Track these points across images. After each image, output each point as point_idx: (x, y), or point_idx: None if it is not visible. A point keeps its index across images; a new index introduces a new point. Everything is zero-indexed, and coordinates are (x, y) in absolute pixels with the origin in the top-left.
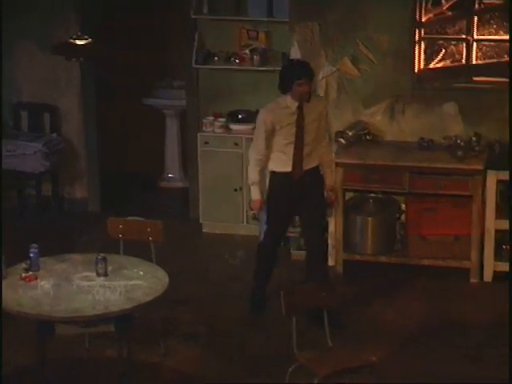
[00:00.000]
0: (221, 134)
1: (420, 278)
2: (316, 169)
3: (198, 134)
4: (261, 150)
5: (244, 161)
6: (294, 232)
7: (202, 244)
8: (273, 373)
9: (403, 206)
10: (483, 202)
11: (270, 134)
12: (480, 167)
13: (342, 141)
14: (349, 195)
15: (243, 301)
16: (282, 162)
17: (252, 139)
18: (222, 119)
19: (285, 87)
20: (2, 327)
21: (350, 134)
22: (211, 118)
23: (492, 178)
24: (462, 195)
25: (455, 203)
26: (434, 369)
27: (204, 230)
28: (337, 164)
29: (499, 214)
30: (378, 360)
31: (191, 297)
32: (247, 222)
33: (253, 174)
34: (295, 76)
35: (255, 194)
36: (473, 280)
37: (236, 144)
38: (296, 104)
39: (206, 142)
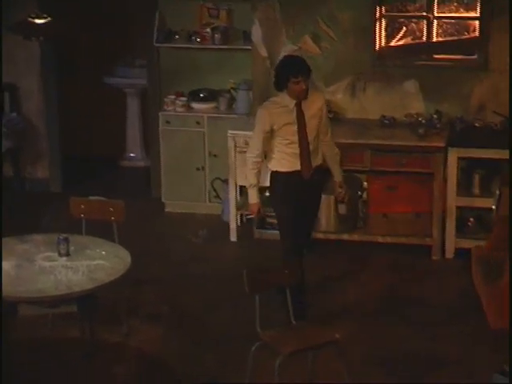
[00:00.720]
0: (182, 113)
1: (382, 255)
2: (321, 166)
3: (160, 113)
4: (258, 152)
5: (206, 139)
6: None
7: (164, 223)
8: (236, 351)
9: (365, 183)
10: (444, 179)
11: (268, 135)
12: (441, 144)
13: None
14: None
15: (206, 280)
16: (286, 162)
17: (214, 118)
18: (184, 98)
19: (281, 85)
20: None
21: None
22: (173, 96)
23: (453, 155)
24: (423, 172)
25: (417, 180)
26: (396, 345)
27: (166, 210)
28: None
29: (460, 191)
30: (341, 337)
31: (154, 276)
32: (209, 201)
33: (251, 177)
34: (291, 73)
35: (253, 198)
36: (434, 257)
37: (198, 123)
38: (294, 102)
39: (168, 121)
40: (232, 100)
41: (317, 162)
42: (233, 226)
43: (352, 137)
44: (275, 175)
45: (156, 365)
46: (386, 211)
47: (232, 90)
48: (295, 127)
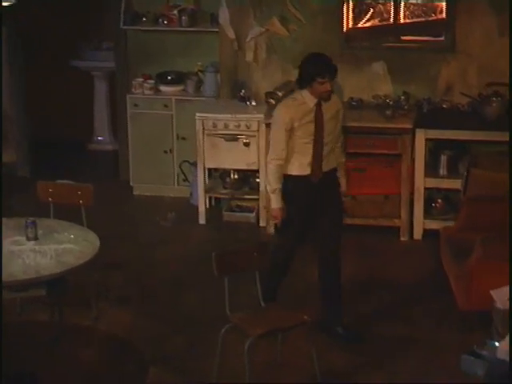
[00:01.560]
0: (150, 96)
1: (351, 236)
2: (334, 171)
3: (128, 96)
4: (282, 153)
5: (174, 122)
6: (225, 194)
7: (132, 206)
8: (206, 333)
9: None
10: (412, 161)
11: (290, 133)
12: (409, 126)
13: (272, 102)
14: None
15: (175, 263)
16: (300, 165)
17: (182, 101)
18: (152, 81)
19: (304, 83)
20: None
21: (280, 94)
22: (140, 79)
23: (421, 137)
24: (391, 154)
25: (385, 162)
26: (364, 326)
27: (135, 193)
28: (267, 125)
29: (428, 173)
30: (310, 319)
31: (123, 260)
32: (178, 184)
33: (274, 181)
34: (318, 73)
35: (277, 203)
36: (403, 238)
37: (166, 106)
38: (315, 100)
39: (136, 104)
40: (200, 82)
41: (330, 166)
42: (201, 208)
43: None
44: (288, 179)
45: (125, 347)
46: (354, 193)
47: (200, 73)
48: (314, 126)
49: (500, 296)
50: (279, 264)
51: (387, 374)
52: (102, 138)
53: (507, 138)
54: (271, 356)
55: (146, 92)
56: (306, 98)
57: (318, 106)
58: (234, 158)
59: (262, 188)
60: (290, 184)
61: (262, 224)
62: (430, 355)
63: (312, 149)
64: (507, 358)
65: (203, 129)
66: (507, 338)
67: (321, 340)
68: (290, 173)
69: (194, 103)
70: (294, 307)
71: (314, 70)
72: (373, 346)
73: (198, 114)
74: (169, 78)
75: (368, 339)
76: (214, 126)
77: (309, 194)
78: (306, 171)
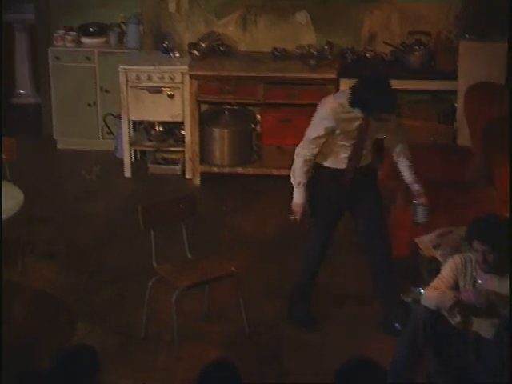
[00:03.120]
0: (72, 49)
1: (277, 187)
2: (369, 165)
3: (49, 49)
4: (314, 151)
5: (98, 75)
6: (150, 146)
7: (56, 160)
8: (133, 286)
9: (258, 116)
10: None
11: (329, 137)
12: (333, 76)
13: (196, 53)
14: (204, 107)
15: (101, 217)
16: (334, 159)
17: (105, 53)
18: (73, 33)
19: (359, 106)
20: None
21: (204, 45)
22: (62, 31)
23: (345, 87)
24: (316, 104)
25: (310, 112)
26: (292, 276)
27: (58, 147)
28: (191, 76)
29: None
30: (237, 270)
31: (48, 214)
32: (102, 138)
33: (300, 175)
34: (379, 108)
35: (300, 197)
36: None
37: (88, 58)
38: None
39: (58, 57)
40: (122, 34)
41: (365, 161)
42: (126, 161)
43: (244, 70)
44: (321, 170)
45: (53, 302)
46: (279, 144)
47: (122, 24)
48: (357, 134)
49: (424, 243)
50: (316, 254)
51: (314, 322)
52: (24, 91)
53: (429, 87)
54: (199, 307)
55: (68, 44)
56: (356, 111)
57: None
58: (159, 110)
59: (187, 140)
60: (322, 175)
61: (187, 176)
62: (361, 302)
63: (351, 150)
64: (431, 304)
65: (127, 81)
66: (431, 285)
67: (249, 290)
68: (323, 164)
69: (117, 55)
70: (222, 258)
71: (376, 102)
72: None
73: (121, 66)
74: (91, 29)
75: None
76: (138, 78)
77: (340, 187)
78: (340, 165)
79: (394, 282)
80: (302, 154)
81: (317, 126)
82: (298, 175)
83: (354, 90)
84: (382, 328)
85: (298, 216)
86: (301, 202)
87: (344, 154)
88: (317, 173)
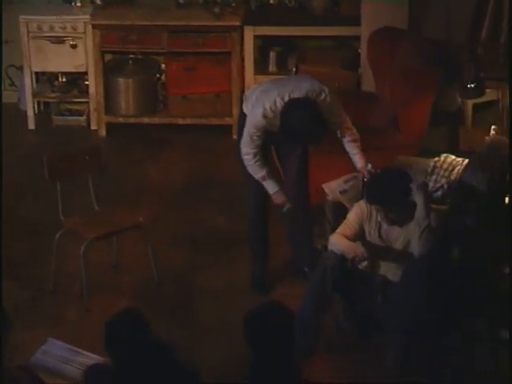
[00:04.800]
0: None
1: (183, 137)
2: None
3: None
4: (257, 142)
5: None
6: (54, 98)
7: None
8: (42, 239)
9: (163, 65)
10: (242, 59)
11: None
12: (237, 23)
13: (98, 1)
14: (108, 57)
15: (6, 170)
16: None
17: (6, 2)
18: None
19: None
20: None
21: None
22: None
23: (249, 34)
24: (220, 52)
25: (215, 61)
26: (199, 225)
27: None
28: (93, 26)
29: (258, 70)
30: (145, 220)
31: None
32: (5, 89)
33: (259, 170)
34: (302, 141)
35: (273, 187)
36: (235, 136)
37: None
38: None
39: None
40: None
41: None
42: (30, 113)
43: (148, 19)
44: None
45: None
46: (185, 93)
47: None
48: None
49: (331, 189)
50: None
51: (224, 271)
52: None
53: (333, 33)
54: (108, 259)
55: None
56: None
57: None
58: (62, 61)
59: (91, 90)
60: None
61: (93, 127)
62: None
63: None
64: (338, 250)
65: (28, 32)
66: (338, 230)
67: (157, 240)
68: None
69: (18, 5)
70: (129, 209)
71: (297, 131)
72: (209, 245)
73: (21, 17)
74: None
75: (204, 238)
76: (39, 28)
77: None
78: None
79: (304, 227)
80: (246, 151)
81: (250, 130)
82: (257, 171)
83: (282, 114)
84: (293, 273)
85: (285, 202)
86: (277, 190)
87: None
88: (240, 119)
